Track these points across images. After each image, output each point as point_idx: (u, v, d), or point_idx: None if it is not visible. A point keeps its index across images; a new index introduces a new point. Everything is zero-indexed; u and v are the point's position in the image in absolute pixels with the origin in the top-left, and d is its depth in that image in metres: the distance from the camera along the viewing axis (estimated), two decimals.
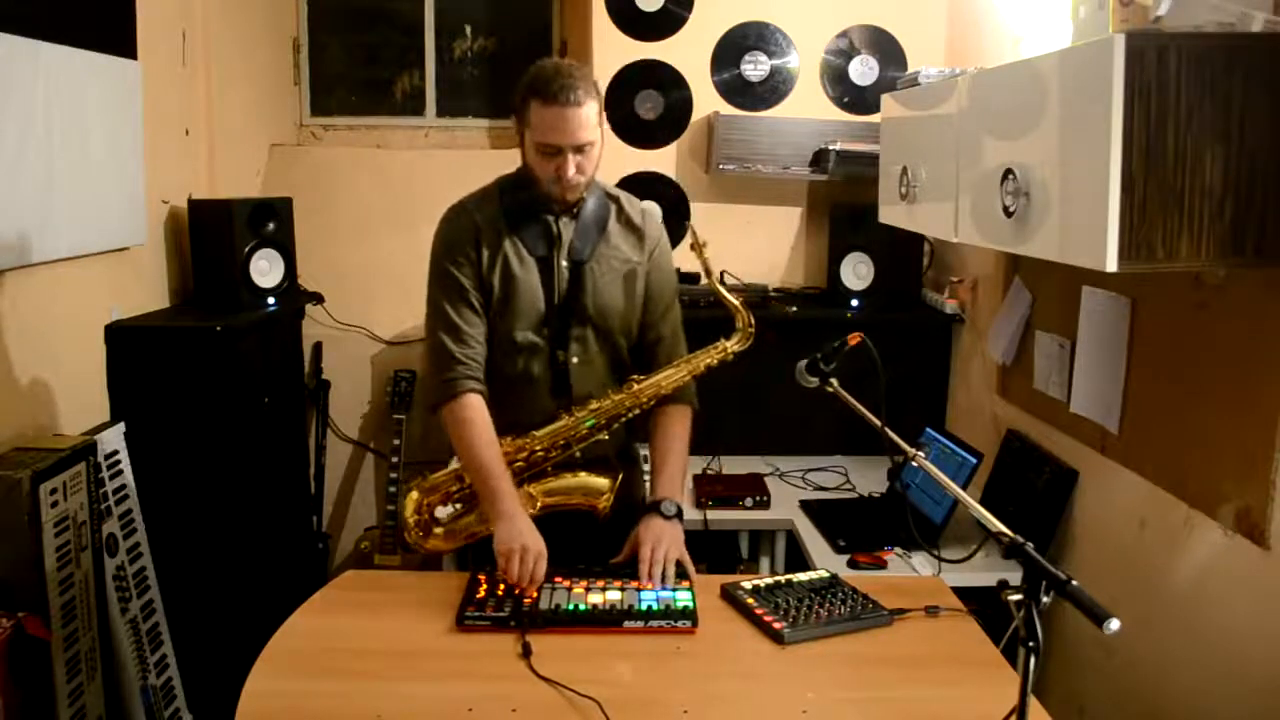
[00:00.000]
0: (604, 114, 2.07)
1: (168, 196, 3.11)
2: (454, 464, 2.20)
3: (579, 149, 1.98)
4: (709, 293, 2.24)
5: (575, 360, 2.11)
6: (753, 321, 2.14)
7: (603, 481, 2.11)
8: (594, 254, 2.12)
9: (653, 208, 2.22)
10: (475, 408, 2.04)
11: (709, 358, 2.14)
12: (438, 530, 2.12)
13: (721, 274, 3.58)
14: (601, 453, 2.13)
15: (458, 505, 2.12)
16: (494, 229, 2.10)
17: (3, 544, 2.11)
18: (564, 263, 2.10)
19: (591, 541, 2.07)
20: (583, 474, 2.11)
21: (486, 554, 1.99)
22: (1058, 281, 2.55)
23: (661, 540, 1.99)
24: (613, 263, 2.13)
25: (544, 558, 1.91)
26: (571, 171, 1.99)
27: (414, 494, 2.13)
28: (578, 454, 2.11)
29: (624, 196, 2.21)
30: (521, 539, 1.91)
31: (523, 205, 2.10)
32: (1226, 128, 1.60)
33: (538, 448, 2.08)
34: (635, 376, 2.12)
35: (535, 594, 1.88)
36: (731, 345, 2.14)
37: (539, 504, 2.08)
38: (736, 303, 2.14)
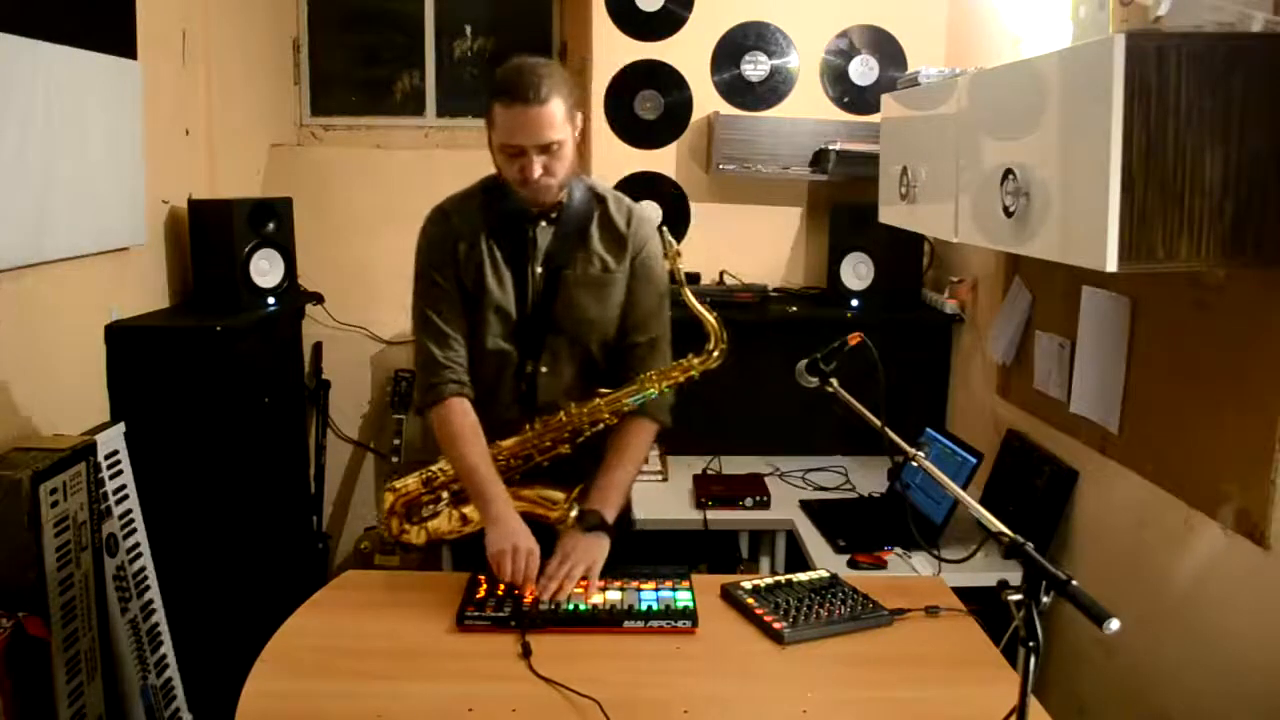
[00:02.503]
0: (577, 111, 1.97)
1: (168, 196, 3.10)
2: (427, 470, 2.17)
3: (544, 149, 1.91)
4: (705, 299, 2.05)
5: (544, 370, 2.08)
6: (726, 339, 2.03)
7: (559, 494, 2.07)
8: (572, 260, 2.05)
9: (647, 210, 2.12)
10: (459, 412, 2.03)
11: (674, 375, 2.05)
12: (408, 527, 2.12)
13: (721, 274, 3.60)
14: (567, 465, 2.08)
15: (430, 506, 2.12)
16: (472, 233, 2.06)
17: (3, 544, 2.11)
18: (538, 270, 2.05)
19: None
20: (543, 485, 2.08)
21: (484, 557, 1.98)
22: (1058, 281, 2.55)
23: (570, 555, 1.93)
24: (590, 270, 2.06)
25: (536, 555, 1.90)
26: (537, 173, 1.92)
27: (388, 495, 2.13)
28: (545, 464, 2.08)
29: (612, 198, 2.11)
30: (512, 539, 1.90)
31: (501, 208, 2.05)
32: (1226, 128, 1.60)
33: (501, 457, 2.05)
34: (602, 390, 2.06)
35: (535, 593, 1.87)
36: (697, 363, 2.04)
37: None
38: (711, 318, 2.02)
